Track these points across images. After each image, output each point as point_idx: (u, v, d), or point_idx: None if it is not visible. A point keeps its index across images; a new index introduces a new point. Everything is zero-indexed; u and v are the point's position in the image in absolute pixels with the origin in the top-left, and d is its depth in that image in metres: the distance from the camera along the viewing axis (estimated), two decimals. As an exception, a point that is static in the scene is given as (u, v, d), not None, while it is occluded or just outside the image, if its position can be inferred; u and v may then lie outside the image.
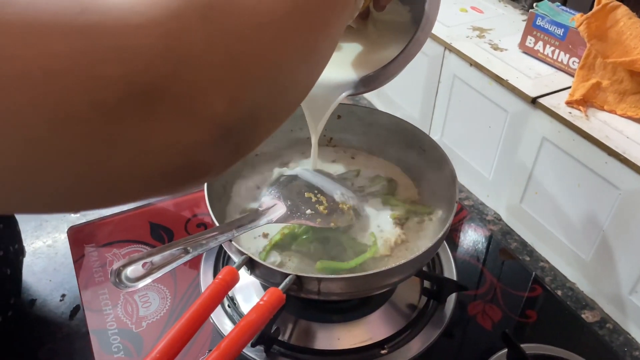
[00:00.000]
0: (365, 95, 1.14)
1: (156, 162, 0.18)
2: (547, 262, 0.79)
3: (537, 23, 0.78)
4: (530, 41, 0.80)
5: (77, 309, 0.68)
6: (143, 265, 0.47)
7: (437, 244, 0.52)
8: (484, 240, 0.69)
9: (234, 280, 0.47)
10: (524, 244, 0.82)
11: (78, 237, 0.66)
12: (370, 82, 0.51)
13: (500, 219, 0.85)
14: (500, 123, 0.79)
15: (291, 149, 0.70)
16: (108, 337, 0.56)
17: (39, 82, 0.15)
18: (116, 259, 0.64)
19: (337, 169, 0.68)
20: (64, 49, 0.15)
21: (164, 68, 0.16)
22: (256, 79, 0.19)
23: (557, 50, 0.77)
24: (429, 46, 0.90)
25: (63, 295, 0.69)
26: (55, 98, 0.15)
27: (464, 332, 0.57)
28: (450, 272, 0.62)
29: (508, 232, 0.83)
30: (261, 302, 0.45)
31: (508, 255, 0.65)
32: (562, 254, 0.76)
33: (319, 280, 0.49)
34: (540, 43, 0.79)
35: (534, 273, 0.64)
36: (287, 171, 0.65)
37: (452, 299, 0.59)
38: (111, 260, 0.64)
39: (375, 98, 1.11)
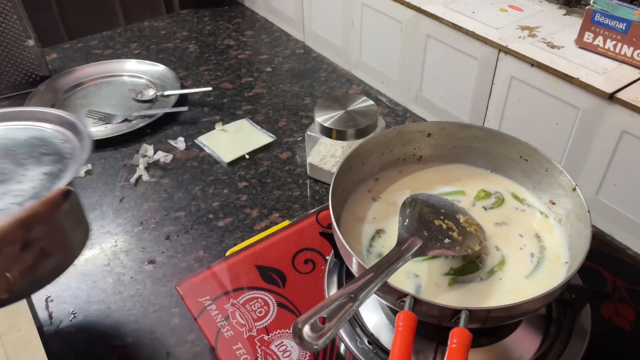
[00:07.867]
0: (400, 102, 1.14)
1: None
2: (630, 249, 0.81)
3: (595, 19, 0.79)
4: (588, 37, 0.81)
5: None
6: (319, 321, 0.46)
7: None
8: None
9: (415, 324, 0.46)
10: (601, 233, 0.84)
11: (190, 293, 0.64)
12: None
13: (572, 212, 0.87)
14: (570, 120, 0.81)
15: (386, 170, 0.70)
16: (261, 395, 0.54)
17: None
18: (237, 309, 0.62)
19: (440, 188, 0.68)
20: None
21: None
22: None
23: (619, 44, 0.78)
24: (478, 49, 0.90)
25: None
26: None
27: (608, 336, 0.58)
28: (576, 278, 0.63)
29: (583, 224, 0.85)
30: (454, 346, 0.44)
31: (614, 251, 0.67)
32: (646, 239, 0.78)
33: (489, 311, 0.49)
34: (600, 38, 0.80)
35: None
36: (397, 199, 0.64)
37: (586, 305, 0.60)
38: (232, 311, 0.61)
39: (413, 104, 1.11)
